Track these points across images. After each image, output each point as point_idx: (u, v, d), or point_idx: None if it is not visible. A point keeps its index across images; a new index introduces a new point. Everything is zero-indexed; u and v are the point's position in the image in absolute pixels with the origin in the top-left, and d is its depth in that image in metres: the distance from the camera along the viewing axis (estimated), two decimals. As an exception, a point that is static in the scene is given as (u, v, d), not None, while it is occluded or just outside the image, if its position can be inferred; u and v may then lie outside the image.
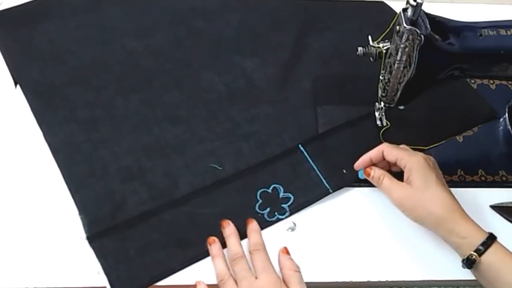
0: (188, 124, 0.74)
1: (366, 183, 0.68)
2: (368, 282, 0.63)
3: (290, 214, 0.67)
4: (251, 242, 0.63)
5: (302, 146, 0.72)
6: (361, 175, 0.68)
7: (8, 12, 0.84)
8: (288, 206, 0.67)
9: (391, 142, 0.72)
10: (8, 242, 0.63)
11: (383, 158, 0.66)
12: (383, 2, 0.86)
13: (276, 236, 0.65)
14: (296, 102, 0.77)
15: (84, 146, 0.71)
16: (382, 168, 0.67)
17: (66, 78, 0.77)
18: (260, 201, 0.67)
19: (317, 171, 0.70)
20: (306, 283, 0.60)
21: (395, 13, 0.61)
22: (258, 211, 0.67)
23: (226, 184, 0.69)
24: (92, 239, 0.63)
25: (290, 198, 0.68)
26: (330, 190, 0.68)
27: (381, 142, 0.71)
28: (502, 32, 0.60)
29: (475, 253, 0.57)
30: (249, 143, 0.72)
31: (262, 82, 0.79)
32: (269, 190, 0.68)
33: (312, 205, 0.68)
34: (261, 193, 0.68)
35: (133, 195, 0.67)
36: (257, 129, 0.74)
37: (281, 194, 0.68)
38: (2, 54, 0.79)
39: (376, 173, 0.66)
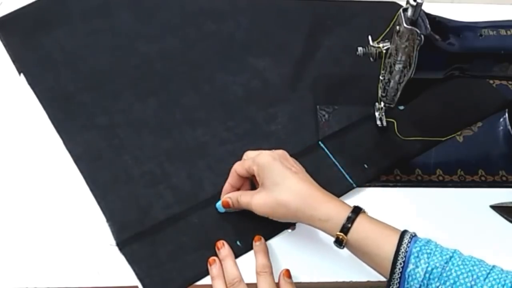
0: (208, 126, 0.74)
1: (367, 183, 0.69)
2: (368, 282, 0.63)
3: (316, 210, 0.67)
4: (259, 263, 0.62)
5: (322, 143, 0.73)
6: (220, 209, 0.65)
7: (15, 18, 0.82)
8: (314, 203, 0.68)
9: (407, 135, 0.73)
10: (8, 242, 0.63)
11: (241, 177, 0.64)
12: (394, 2, 0.87)
13: (276, 236, 0.65)
14: (312, 100, 0.77)
15: (105, 153, 0.70)
16: (246, 188, 0.65)
17: (81, 84, 0.76)
18: (286, 199, 0.68)
19: (339, 167, 0.70)
20: (306, 283, 0.61)
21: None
22: (284, 209, 0.67)
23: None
24: (122, 245, 0.63)
25: (314, 194, 0.68)
26: (354, 185, 0.69)
27: (398, 137, 0.72)
28: (502, 32, 0.61)
29: (341, 233, 0.55)
30: (269, 142, 0.73)
31: (276, 81, 0.79)
32: (294, 188, 0.69)
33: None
34: (285, 191, 0.69)
35: (158, 199, 0.67)
36: (276, 128, 0.74)
37: (306, 191, 0.69)
38: (12, 60, 0.78)
39: (232, 198, 0.64)
